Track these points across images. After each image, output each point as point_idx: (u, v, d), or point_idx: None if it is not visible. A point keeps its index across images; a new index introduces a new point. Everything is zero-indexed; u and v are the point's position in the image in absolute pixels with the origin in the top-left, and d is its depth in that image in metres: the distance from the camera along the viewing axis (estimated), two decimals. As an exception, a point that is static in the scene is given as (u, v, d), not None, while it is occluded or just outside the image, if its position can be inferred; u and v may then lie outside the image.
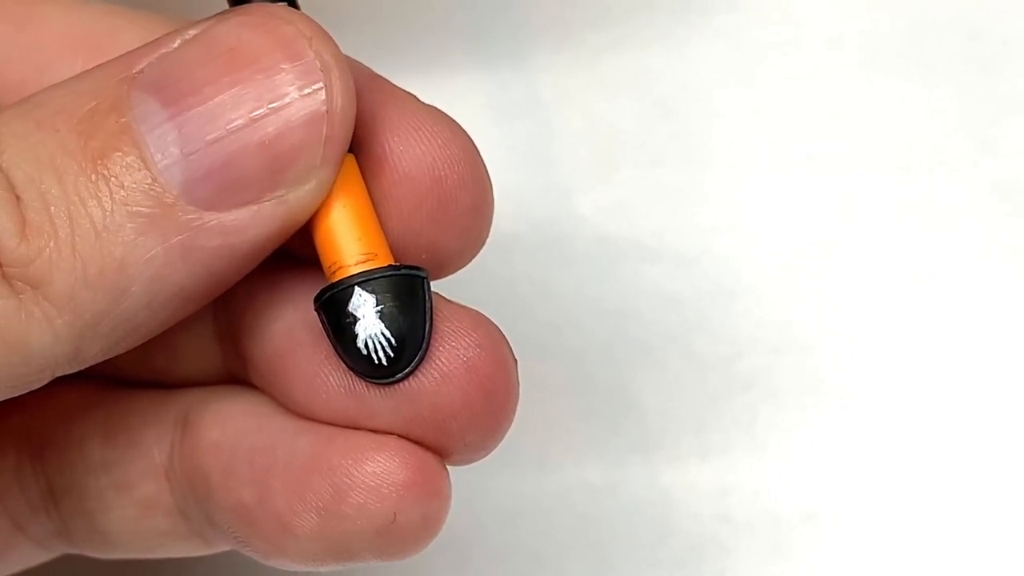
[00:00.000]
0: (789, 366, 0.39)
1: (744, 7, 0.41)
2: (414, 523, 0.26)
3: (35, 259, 0.23)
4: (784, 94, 0.40)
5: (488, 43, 0.40)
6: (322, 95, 0.24)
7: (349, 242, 0.25)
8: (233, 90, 0.24)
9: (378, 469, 0.25)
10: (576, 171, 0.40)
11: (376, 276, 0.25)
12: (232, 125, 0.24)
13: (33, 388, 0.24)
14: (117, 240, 0.24)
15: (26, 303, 0.23)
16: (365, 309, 0.25)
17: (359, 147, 0.26)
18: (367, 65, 0.27)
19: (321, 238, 0.26)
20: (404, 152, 0.26)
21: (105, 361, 0.25)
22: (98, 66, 0.25)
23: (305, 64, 0.24)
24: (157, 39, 0.25)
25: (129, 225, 0.24)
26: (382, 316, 0.25)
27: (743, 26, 0.41)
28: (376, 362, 0.25)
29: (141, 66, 0.25)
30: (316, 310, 0.26)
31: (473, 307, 0.28)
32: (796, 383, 0.39)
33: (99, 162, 0.24)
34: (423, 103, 0.27)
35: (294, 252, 0.26)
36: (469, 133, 0.27)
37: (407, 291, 0.25)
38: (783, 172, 0.40)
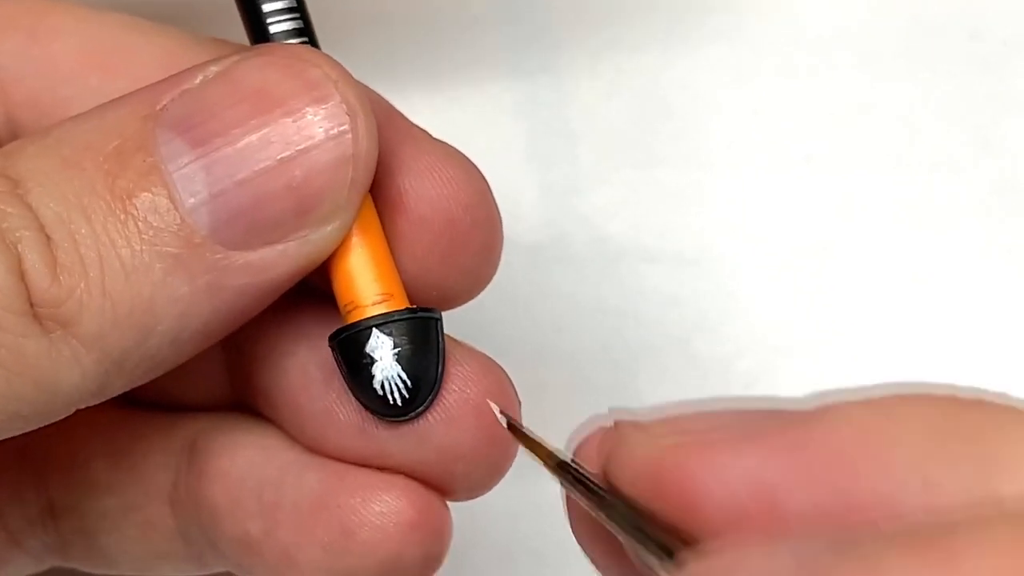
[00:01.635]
0: (789, 366, 0.39)
1: (744, 7, 0.41)
2: (417, 561, 0.26)
3: (66, 300, 0.23)
4: (784, 94, 0.40)
5: (487, 41, 0.40)
6: (348, 138, 0.25)
7: (366, 282, 0.26)
8: (261, 132, 0.24)
9: (386, 508, 0.26)
10: (576, 171, 0.40)
11: (394, 319, 0.26)
12: (260, 167, 0.24)
13: (56, 420, 0.24)
14: (146, 280, 0.24)
15: (56, 342, 0.23)
16: (382, 351, 0.26)
17: (374, 185, 0.26)
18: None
19: (338, 277, 0.26)
20: (419, 193, 0.26)
21: None
22: (119, 100, 0.25)
23: (332, 107, 0.24)
24: (177, 74, 0.25)
25: (158, 265, 0.24)
26: (399, 359, 0.26)
27: (743, 26, 0.41)
28: (391, 402, 0.26)
29: (164, 102, 0.25)
30: (331, 348, 0.26)
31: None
32: (796, 383, 0.39)
33: (127, 202, 0.24)
34: (437, 141, 0.27)
35: (307, 282, 0.26)
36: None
37: (422, 334, 0.26)
38: (783, 172, 0.40)
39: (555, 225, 0.39)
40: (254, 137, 0.24)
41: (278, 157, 0.24)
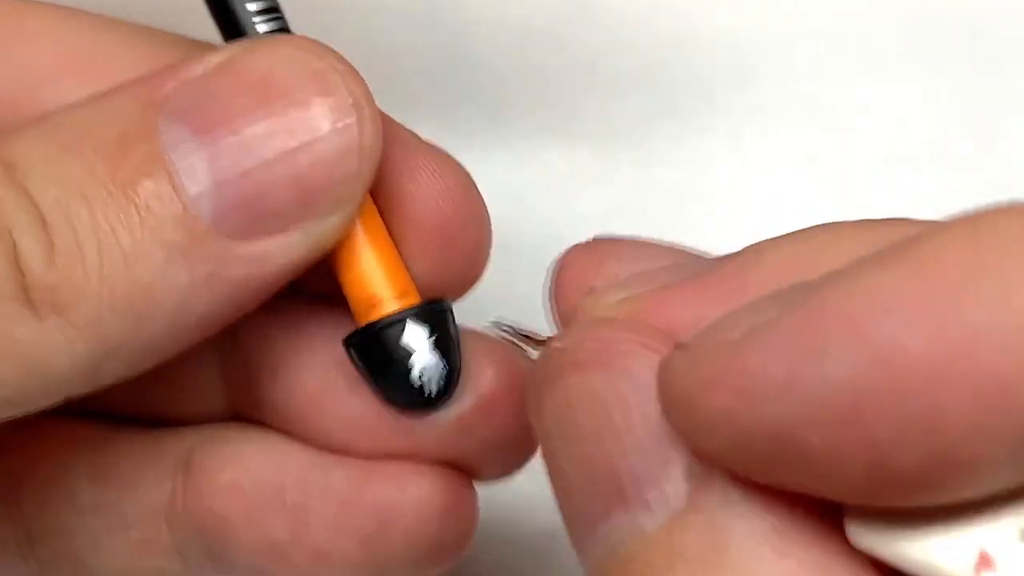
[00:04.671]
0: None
1: (744, 7, 0.41)
2: (452, 543, 0.27)
3: (62, 285, 0.23)
4: (784, 93, 0.40)
5: (489, 39, 0.40)
6: (354, 131, 0.24)
7: (384, 279, 0.26)
8: (266, 122, 0.24)
9: (423, 495, 0.26)
10: (576, 171, 0.40)
11: (427, 309, 0.26)
12: (264, 157, 0.24)
13: (45, 406, 0.24)
14: (146, 268, 0.23)
15: (49, 328, 0.23)
16: (419, 342, 0.26)
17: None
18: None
19: (352, 276, 0.26)
20: (410, 194, 0.26)
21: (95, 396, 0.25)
22: (118, 88, 0.25)
23: (337, 99, 0.24)
24: (175, 65, 0.25)
25: (159, 253, 0.24)
26: (436, 347, 0.26)
27: (743, 26, 0.41)
28: (427, 393, 0.26)
29: (166, 91, 0.24)
30: (348, 349, 0.26)
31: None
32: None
33: (129, 189, 0.24)
34: (425, 142, 0.27)
35: (301, 286, 0.26)
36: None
37: (449, 323, 0.26)
38: (783, 172, 0.40)
39: (555, 225, 0.39)
40: (259, 127, 0.24)
41: (283, 148, 0.24)
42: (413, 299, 0.26)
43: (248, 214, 0.24)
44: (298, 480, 0.27)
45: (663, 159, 0.40)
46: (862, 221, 0.21)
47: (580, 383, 0.21)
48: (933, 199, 0.39)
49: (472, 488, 0.27)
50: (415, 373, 0.26)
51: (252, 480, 0.27)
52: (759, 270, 0.21)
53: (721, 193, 0.39)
